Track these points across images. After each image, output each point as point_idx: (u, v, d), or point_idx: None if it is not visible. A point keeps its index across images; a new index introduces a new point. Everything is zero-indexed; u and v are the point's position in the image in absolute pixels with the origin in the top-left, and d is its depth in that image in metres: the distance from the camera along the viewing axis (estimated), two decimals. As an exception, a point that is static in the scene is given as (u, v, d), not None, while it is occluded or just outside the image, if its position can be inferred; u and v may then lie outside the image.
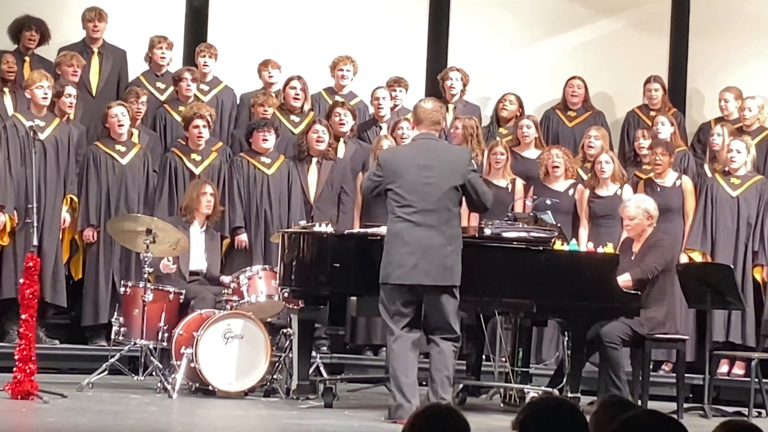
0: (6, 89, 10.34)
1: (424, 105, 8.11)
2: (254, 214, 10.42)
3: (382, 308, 7.83)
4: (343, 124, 10.77)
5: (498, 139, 10.93)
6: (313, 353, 9.05)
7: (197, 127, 10.22)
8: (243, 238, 10.34)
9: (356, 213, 10.57)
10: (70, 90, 10.13)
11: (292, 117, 11.07)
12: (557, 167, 10.46)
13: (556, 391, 8.58)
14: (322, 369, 9.31)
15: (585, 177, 10.64)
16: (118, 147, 10.17)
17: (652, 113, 11.36)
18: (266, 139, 10.38)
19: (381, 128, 11.07)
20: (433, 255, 7.70)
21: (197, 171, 10.29)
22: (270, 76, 11.16)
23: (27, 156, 9.63)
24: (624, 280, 8.73)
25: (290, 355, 8.80)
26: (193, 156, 10.33)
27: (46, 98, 9.84)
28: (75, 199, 10.06)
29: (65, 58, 10.50)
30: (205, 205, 9.71)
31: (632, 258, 9.06)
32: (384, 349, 10.21)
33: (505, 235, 8.49)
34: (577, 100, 11.52)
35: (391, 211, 7.84)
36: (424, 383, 8.02)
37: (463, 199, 7.95)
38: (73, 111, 10.38)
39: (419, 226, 7.73)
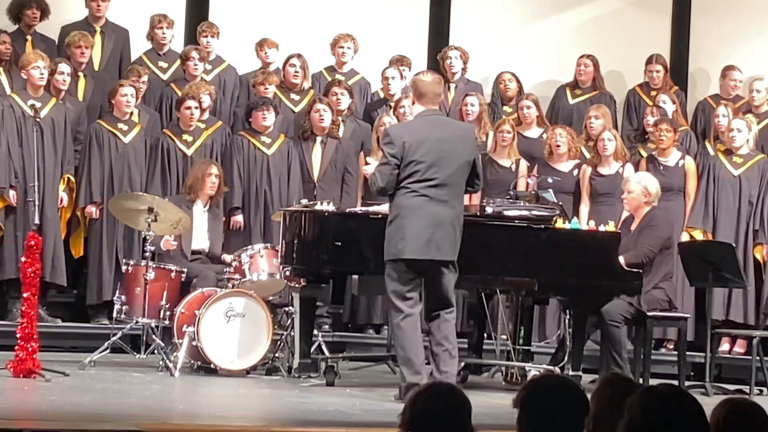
0: (1, 69, 10.26)
1: (424, 78, 7.94)
2: (254, 194, 10.40)
3: (392, 286, 7.67)
4: (340, 102, 10.74)
5: (504, 117, 10.93)
6: (315, 331, 9.03)
7: (189, 108, 10.20)
8: (239, 219, 10.32)
9: (359, 192, 10.56)
10: (63, 67, 10.07)
11: (292, 95, 11.05)
12: (560, 146, 10.45)
13: (557, 369, 8.59)
14: (323, 347, 9.33)
15: (588, 156, 10.63)
16: (120, 125, 10.15)
17: (653, 92, 11.34)
18: (266, 118, 10.36)
19: (391, 107, 10.97)
20: (444, 230, 7.62)
21: (189, 152, 10.27)
22: (267, 56, 11.13)
23: (24, 136, 9.63)
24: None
25: (292, 334, 8.80)
26: (185, 137, 10.30)
27: (42, 78, 9.79)
28: (72, 179, 10.05)
29: (74, 39, 10.42)
30: (209, 186, 9.69)
31: (629, 236, 9.08)
32: (386, 327, 10.23)
33: (506, 213, 8.48)
34: (585, 78, 11.48)
35: (404, 184, 7.64)
36: (427, 362, 8.00)
37: None
38: (82, 90, 10.39)
39: (433, 200, 7.60)
